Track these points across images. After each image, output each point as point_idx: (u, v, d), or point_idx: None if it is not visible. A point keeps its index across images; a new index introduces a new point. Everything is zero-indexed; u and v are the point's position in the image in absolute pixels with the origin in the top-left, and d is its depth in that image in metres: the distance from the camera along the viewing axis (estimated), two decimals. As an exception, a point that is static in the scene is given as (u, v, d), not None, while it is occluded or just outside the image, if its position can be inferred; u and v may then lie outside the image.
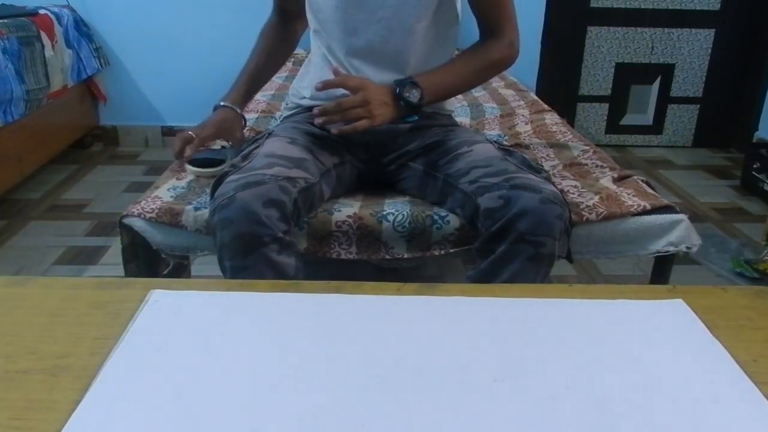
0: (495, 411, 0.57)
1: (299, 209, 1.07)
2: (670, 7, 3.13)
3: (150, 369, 0.62)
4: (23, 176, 2.50)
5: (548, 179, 1.12)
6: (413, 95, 1.18)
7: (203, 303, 0.75)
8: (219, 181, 1.09)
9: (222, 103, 1.36)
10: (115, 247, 2.06)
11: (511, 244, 1.01)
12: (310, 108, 1.30)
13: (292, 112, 1.38)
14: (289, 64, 2.44)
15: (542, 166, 1.23)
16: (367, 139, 1.26)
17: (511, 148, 1.30)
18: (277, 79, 2.31)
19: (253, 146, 1.21)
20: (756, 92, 3.17)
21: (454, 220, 1.19)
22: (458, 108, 2.01)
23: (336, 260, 1.19)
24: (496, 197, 1.04)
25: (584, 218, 1.20)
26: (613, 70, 3.25)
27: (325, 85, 1.15)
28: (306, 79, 1.36)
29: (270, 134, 1.25)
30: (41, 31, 2.54)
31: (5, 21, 2.37)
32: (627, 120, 3.36)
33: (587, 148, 1.59)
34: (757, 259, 2.04)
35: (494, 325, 0.72)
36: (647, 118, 3.36)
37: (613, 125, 3.36)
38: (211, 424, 0.55)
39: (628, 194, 1.27)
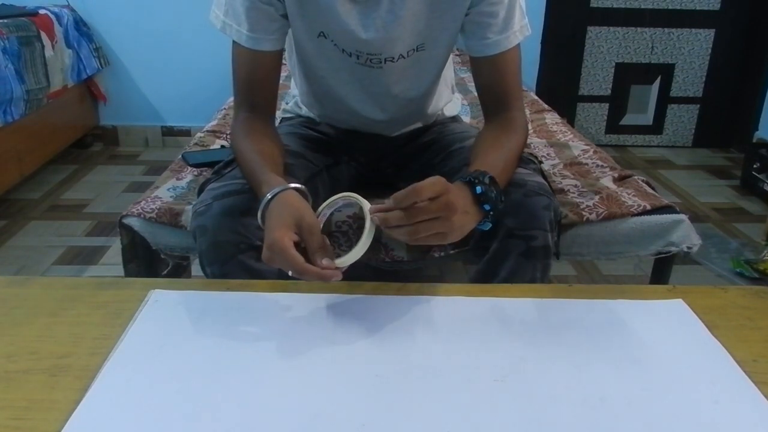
0: (495, 411, 0.57)
1: None
2: (670, 7, 3.13)
3: (150, 369, 0.62)
4: (23, 176, 2.50)
5: (537, 171, 1.10)
6: (494, 193, 0.85)
7: (203, 303, 0.75)
8: (203, 187, 1.08)
9: (269, 196, 0.83)
10: (115, 247, 2.06)
11: (501, 241, 1.00)
12: (308, 117, 1.29)
13: (290, 115, 1.37)
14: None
15: (535, 157, 1.19)
16: (367, 147, 1.26)
17: None
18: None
19: None
20: (756, 92, 3.17)
21: (454, 221, 1.19)
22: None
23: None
24: None
25: (584, 218, 1.20)
26: (613, 70, 3.25)
27: (397, 202, 0.76)
28: (299, 88, 1.32)
29: None
30: (41, 31, 2.54)
31: (5, 21, 2.36)
32: (627, 120, 3.36)
33: (587, 147, 1.59)
34: (757, 259, 2.04)
35: (494, 325, 0.72)
36: (647, 118, 3.35)
37: (613, 125, 3.36)
38: (211, 424, 0.55)
39: (629, 194, 1.26)
